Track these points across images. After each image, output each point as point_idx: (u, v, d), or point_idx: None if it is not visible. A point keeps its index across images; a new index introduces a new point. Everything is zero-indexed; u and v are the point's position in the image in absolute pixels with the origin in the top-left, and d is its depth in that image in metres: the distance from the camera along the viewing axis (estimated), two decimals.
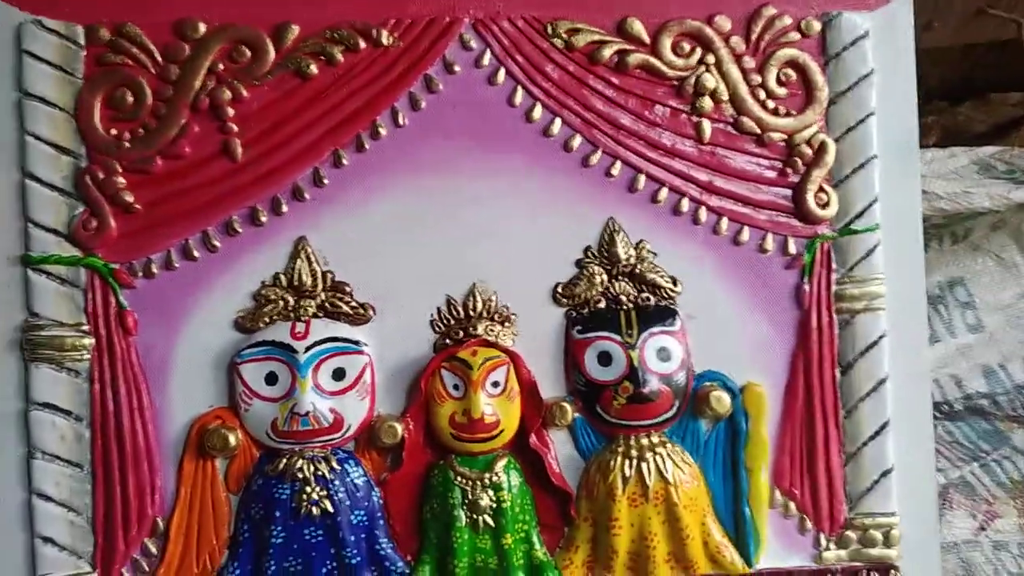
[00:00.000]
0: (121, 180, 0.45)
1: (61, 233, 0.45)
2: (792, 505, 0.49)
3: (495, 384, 0.46)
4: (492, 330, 0.47)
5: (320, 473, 0.45)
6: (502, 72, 0.48)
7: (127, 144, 0.46)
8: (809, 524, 0.50)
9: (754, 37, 0.50)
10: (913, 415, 0.50)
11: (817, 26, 0.50)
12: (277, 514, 0.44)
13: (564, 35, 0.49)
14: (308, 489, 0.44)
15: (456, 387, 0.46)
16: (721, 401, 0.47)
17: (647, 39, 0.49)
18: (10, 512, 0.44)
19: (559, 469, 0.48)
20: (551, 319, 0.48)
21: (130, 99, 0.46)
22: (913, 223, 0.51)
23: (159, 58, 0.46)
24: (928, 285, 0.52)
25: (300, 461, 0.45)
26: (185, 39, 0.46)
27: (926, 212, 0.52)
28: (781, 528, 0.49)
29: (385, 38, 0.47)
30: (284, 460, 0.45)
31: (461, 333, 0.47)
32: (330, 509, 0.45)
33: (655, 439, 0.47)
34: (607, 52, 0.49)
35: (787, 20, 0.50)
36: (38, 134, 0.45)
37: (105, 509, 0.45)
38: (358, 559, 0.45)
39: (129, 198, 0.45)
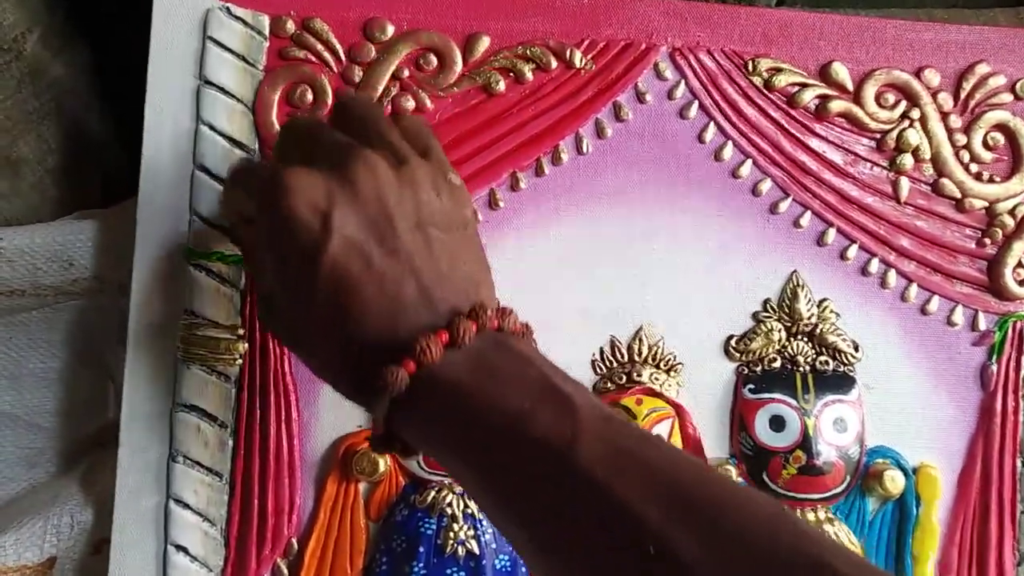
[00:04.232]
0: None
1: (227, 230, 0.43)
2: None
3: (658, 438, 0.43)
4: (657, 378, 0.44)
5: (468, 511, 0.42)
6: (695, 106, 0.46)
7: None
8: None
9: (963, 95, 0.47)
10: None
11: None
12: (420, 549, 0.42)
13: (764, 73, 0.46)
14: (456, 527, 0.42)
15: None
16: (895, 482, 0.44)
17: (851, 86, 0.46)
18: (145, 514, 0.42)
19: None
20: (720, 373, 0.45)
21: (310, 97, 0.44)
22: None
23: (343, 57, 0.44)
24: None
25: (449, 495, 0.42)
26: (372, 40, 0.44)
27: None
28: None
29: (579, 60, 0.45)
30: (432, 493, 0.42)
31: (624, 378, 0.44)
32: (476, 551, 0.42)
33: (823, 515, 0.44)
34: (807, 96, 0.46)
35: (1001, 80, 0.47)
36: (213, 124, 0.43)
37: (241, 523, 0.42)
38: None
39: None
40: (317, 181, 0.31)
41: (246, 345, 0.43)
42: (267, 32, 0.44)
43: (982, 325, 0.46)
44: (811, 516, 0.44)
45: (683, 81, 0.45)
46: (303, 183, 0.30)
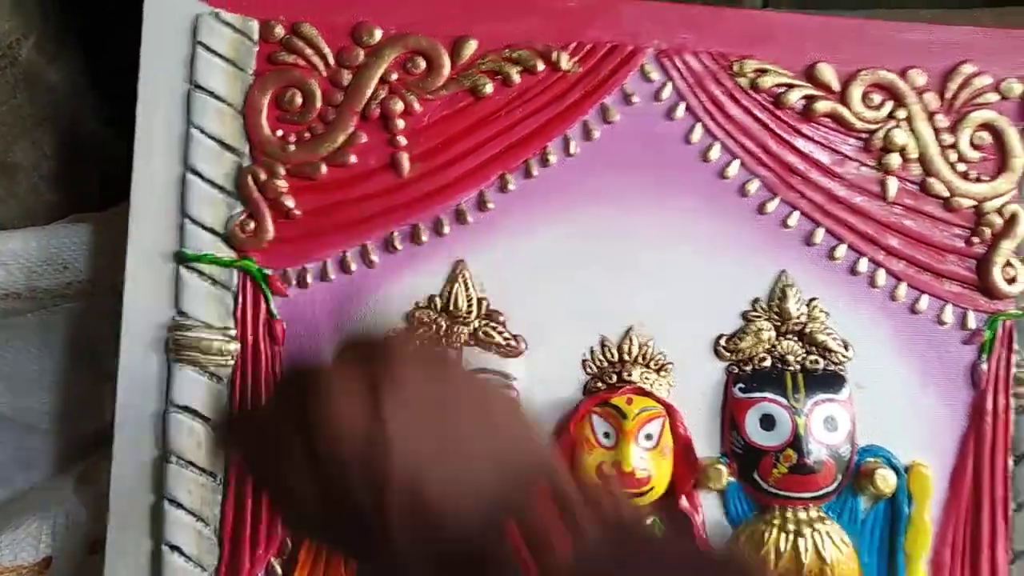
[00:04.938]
0: (283, 184, 0.44)
1: (218, 232, 0.44)
2: None
3: (648, 437, 0.43)
4: (647, 378, 0.45)
5: None
6: (682, 107, 0.46)
7: (292, 147, 0.44)
8: None
9: (949, 95, 0.47)
10: None
11: (1019, 88, 0.47)
12: None
13: (750, 75, 0.46)
14: None
15: (607, 435, 0.43)
16: (887, 480, 0.44)
17: (837, 87, 0.46)
18: (140, 514, 0.42)
19: (705, 535, 0.45)
20: (710, 372, 0.45)
21: (299, 101, 0.44)
22: None
23: (332, 61, 0.45)
24: None
25: None
26: (361, 44, 0.45)
27: None
28: None
29: (565, 62, 0.45)
30: None
31: (614, 377, 0.45)
32: None
33: (813, 514, 0.44)
34: (793, 96, 0.46)
35: (987, 80, 0.47)
36: (204, 128, 0.44)
37: (234, 523, 0.43)
38: None
39: (290, 203, 0.44)
40: None
41: (238, 346, 0.43)
42: (256, 37, 0.45)
43: (972, 323, 0.46)
44: (802, 515, 0.44)
45: (669, 83, 0.46)
46: None
